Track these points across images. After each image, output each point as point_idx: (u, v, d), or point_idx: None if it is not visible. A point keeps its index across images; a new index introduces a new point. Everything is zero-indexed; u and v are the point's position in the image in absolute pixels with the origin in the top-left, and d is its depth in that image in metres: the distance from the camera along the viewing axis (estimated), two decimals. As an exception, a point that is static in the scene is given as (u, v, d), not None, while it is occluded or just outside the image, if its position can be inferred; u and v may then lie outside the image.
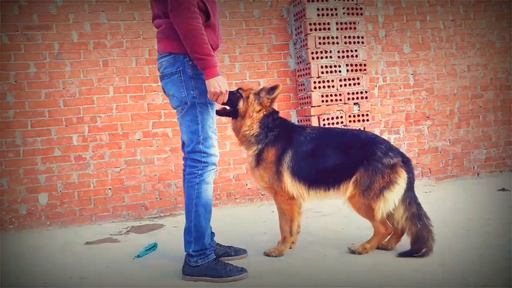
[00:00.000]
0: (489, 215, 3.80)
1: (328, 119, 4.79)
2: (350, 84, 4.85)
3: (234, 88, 3.08)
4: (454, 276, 2.58)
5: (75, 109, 4.44)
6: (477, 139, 5.61)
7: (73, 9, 4.42)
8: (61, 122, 4.41)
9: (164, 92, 2.87)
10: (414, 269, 2.72)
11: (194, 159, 2.76)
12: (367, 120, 4.90)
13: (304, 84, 4.89)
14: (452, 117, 5.53)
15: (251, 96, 3.03)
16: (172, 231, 4.02)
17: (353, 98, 4.86)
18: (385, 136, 5.26)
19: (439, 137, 5.49)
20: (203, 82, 2.66)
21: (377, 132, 5.23)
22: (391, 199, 2.93)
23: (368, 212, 2.97)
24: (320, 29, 4.76)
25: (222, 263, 2.81)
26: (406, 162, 3.01)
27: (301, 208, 3.21)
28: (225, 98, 2.67)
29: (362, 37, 4.89)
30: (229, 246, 3.18)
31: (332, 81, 4.80)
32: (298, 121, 5.00)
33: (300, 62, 4.93)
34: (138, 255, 3.31)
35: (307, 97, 4.82)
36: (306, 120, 4.85)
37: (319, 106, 4.77)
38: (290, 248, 3.16)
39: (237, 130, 3.12)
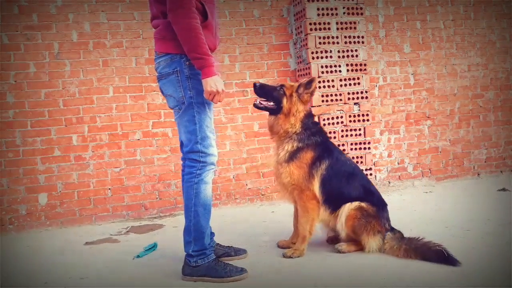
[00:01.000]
0: (489, 215, 3.80)
1: (328, 119, 4.79)
2: (350, 84, 4.85)
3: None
4: (454, 276, 2.58)
5: (74, 109, 4.44)
6: (477, 139, 5.61)
7: (73, 9, 4.42)
8: (61, 122, 4.41)
9: (162, 93, 2.88)
10: (414, 269, 2.72)
11: (193, 159, 2.76)
12: (367, 120, 4.90)
13: (304, 84, 4.89)
14: (452, 117, 5.53)
15: (294, 95, 3.14)
16: (172, 231, 4.02)
17: (353, 98, 4.86)
18: (385, 136, 5.27)
19: (439, 137, 5.48)
20: (200, 82, 2.66)
21: (377, 132, 5.23)
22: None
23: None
24: (320, 29, 4.75)
25: (222, 263, 2.80)
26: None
27: None
28: (222, 97, 2.68)
29: (362, 37, 4.88)
30: (229, 246, 3.19)
31: (332, 81, 4.80)
32: (298, 121, 4.99)
33: (300, 62, 4.93)
34: (138, 255, 3.31)
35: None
36: (306, 120, 4.84)
37: (319, 106, 4.76)
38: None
39: (276, 126, 3.19)
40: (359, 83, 4.87)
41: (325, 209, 3.14)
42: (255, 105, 3.22)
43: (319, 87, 4.75)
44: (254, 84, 3.22)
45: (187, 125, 2.75)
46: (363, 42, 4.88)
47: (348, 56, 4.82)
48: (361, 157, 4.88)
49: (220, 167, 4.77)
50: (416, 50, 5.37)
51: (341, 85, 4.82)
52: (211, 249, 2.84)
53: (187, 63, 2.68)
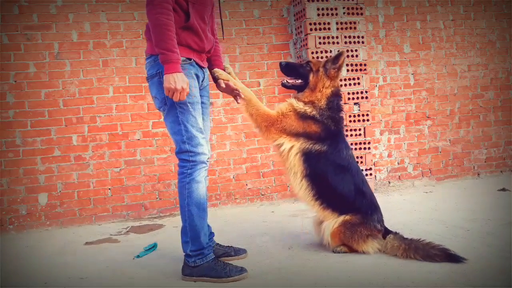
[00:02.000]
0: (489, 215, 3.80)
1: (328, 119, 4.78)
2: (350, 84, 4.85)
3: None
4: (454, 275, 2.58)
5: (74, 109, 4.44)
6: (477, 139, 5.61)
7: (73, 9, 4.42)
8: (61, 122, 4.41)
9: (151, 94, 2.87)
10: (413, 269, 2.72)
11: (183, 159, 2.76)
12: (367, 120, 4.90)
13: (304, 84, 4.89)
14: (452, 117, 5.53)
15: (321, 69, 3.11)
16: (172, 231, 4.02)
17: (353, 98, 4.86)
18: (385, 136, 5.27)
19: (439, 137, 5.48)
20: None
21: (377, 132, 5.23)
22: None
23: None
24: (320, 29, 4.75)
25: (222, 263, 2.80)
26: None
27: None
28: (182, 96, 2.61)
29: (362, 37, 4.88)
30: (228, 246, 3.18)
31: (332, 81, 4.79)
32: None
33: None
34: (138, 255, 3.31)
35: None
36: (306, 120, 4.84)
37: (319, 106, 4.76)
38: None
39: (301, 99, 3.14)
40: (359, 83, 4.87)
41: (310, 190, 3.06)
42: (282, 84, 3.23)
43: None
44: (280, 63, 3.24)
45: (173, 126, 2.75)
46: (363, 42, 4.88)
47: (348, 56, 4.82)
48: (361, 157, 4.88)
49: (220, 167, 4.78)
50: (416, 50, 5.37)
51: (341, 85, 4.81)
52: (209, 249, 2.84)
53: None
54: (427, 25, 5.40)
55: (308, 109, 3.07)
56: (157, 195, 4.65)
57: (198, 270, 2.77)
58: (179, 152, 2.76)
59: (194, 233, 2.77)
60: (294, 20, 5.00)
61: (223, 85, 2.99)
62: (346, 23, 4.82)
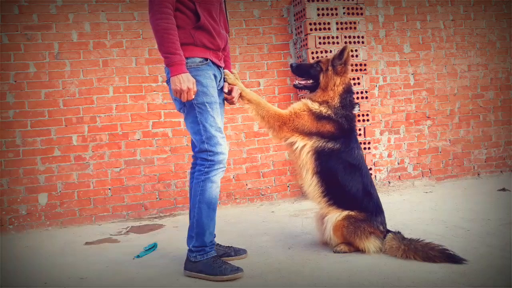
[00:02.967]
0: (489, 215, 3.80)
1: (328, 119, 4.78)
2: (350, 84, 4.84)
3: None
4: (454, 276, 2.58)
5: (74, 109, 4.44)
6: (477, 139, 5.61)
7: (73, 9, 4.42)
8: (61, 122, 4.41)
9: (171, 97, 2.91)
10: (414, 269, 2.72)
11: (201, 157, 2.81)
12: (367, 120, 4.90)
13: (304, 84, 4.89)
14: (452, 117, 5.53)
15: (330, 68, 3.11)
16: (172, 231, 4.02)
17: (353, 98, 4.85)
18: (385, 136, 5.27)
19: (439, 137, 5.48)
20: (198, 83, 2.71)
21: (377, 132, 5.23)
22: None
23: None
24: (320, 29, 4.75)
25: (220, 262, 2.81)
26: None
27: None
28: (189, 95, 2.66)
29: (362, 37, 4.88)
30: (229, 246, 3.18)
31: (332, 81, 4.79)
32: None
33: (301, 62, 4.93)
34: (138, 255, 3.31)
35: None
36: (306, 120, 4.84)
37: (319, 106, 4.76)
38: None
39: (314, 100, 3.15)
40: (359, 83, 4.87)
41: (319, 187, 3.08)
42: (294, 86, 3.28)
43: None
44: (291, 65, 3.28)
45: (193, 126, 2.80)
46: (363, 42, 4.88)
47: (348, 56, 4.82)
48: (361, 157, 4.88)
49: (220, 167, 4.77)
50: (416, 50, 5.37)
51: (341, 85, 4.81)
52: (211, 247, 2.85)
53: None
54: (427, 25, 5.40)
55: (324, 109, 3.08)
56: (157, 195, 4.65)
57: (196, 265, 2.80)
58: (198, 152, 2.81)
59: (199, 229, 2.80)
60: (294, 20, 5.00)
61: (226, 89, 3.02)
62: (346, 23, 4.82)
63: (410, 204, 4.42)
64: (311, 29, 4.73)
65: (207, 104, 2.75)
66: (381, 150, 5.26)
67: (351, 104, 3.16)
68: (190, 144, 4.71)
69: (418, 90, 5.39)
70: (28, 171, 4.33)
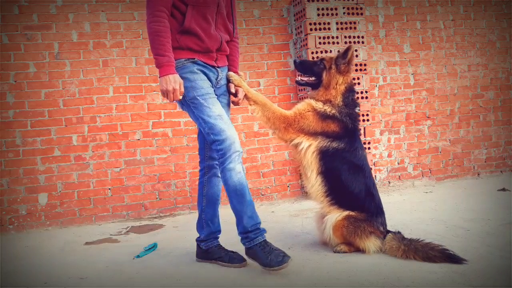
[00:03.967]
0: (489, 215, 3.80)
1: (328, 119, 4.78)
2: (350, 84, 4.84)
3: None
4: (454, 276, 2.58)
5: (74, 109, 4.44)
6: (477, 139, 5.61)
7: (73, 9, 4.42)
8: (61, 122, 4.41)
9: None
10: (413, 269, 2.72)
11: (214, 149, 2.85)
12: (367, 120, 4.90)
13: (304, 84, 4.89)
14: (452, 117, 5.53)
15: (333, 67, 3.11)
16: (172, 231, 4.02)
17: (353, 98, 4.85)
18: (385, 136, 5.27)
19: (439, 137, 5.48)
20: (185, 80, 2.78)
21: (377, 132, 5.23)
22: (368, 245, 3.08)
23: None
24: (320, 29, 4.75)
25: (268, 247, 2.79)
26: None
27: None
28: (176, 96, 2.72)
29: (362, 37, 4.88)
30: (233, 251, 3.10)
31: (332, 81, 4.79)
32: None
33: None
34: (138, 255, 3.31)
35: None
36: (306, 120, 4.84)
37: (319, 106, 4.76)
38: None
39: (316, 98, 3.17)
40: (359, 83, 4.87)
41: (322, 187, 3.07)
42: (297, 82, 3.29)
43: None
44: (294, 61, 3.28)
45: (195, 122, 2.89)
46: (363, 42, 4.88)
47: (348, 56, 4.82)
48: (361, 157, 4.88)
49: (220, 167, 4.77)
50: (416, 50, 5.37)
51: (341, 85, 4.81)
52: (256, 232, 2.81)
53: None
54: (427, 25, 5.40)
55: (328, 108, 3.09)
56: (157, 195, 4.65)
57: (250, 252, 2.84)
58: (210, 143, 2.85)
59: (237, 217, 2.84)
60: (294, 20, 5.00)
61: (233, 90, 3.06)
62: (346, 23, 4.82)
63: (410, 204, 4.42)
64: (311, 29, 4.73)
65: (198, 98, 2.78)
66: (381, 150, 5.26)
67: (354, 103, 3.17)
68: (190, 144, 4.73)
69: (418, 90, 5.40)
70: (28, 171, 4.33)
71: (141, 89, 4.61)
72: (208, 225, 3.07)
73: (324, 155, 3.06)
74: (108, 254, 3.44)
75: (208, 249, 3.06)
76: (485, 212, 3.89)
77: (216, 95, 2.95)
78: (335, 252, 3.08)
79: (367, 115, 4.90)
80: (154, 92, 4.63)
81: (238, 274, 2.85)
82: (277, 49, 5.00)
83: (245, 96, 3.09)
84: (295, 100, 5.03)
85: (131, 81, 4.58)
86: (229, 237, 3.29)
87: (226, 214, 4.46)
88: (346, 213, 3.05)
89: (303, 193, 5.00)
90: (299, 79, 3.26)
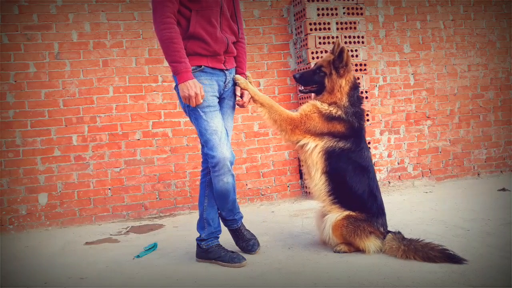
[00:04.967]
0: (489, 215, 3.80)
1: (328, 119, 4.78)
2: (350, 84, 4.84)
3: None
4: (454, 276, 2.58)
5: (74, 109, 4.44)
6: (477, 139, 5.61)
7: (73, 9, 4.42)
8: (61, 122, 4.41)
9: None
10: (414, 269, 2.72)
11: (206, 159, 3.00)
12: (367, 120, 4.90)
13: (304, 84, 4.89)
14: (452, 117, 5.53)
15: (333, 72, 3.12)
16: (172, 231, 4.02)
17: (353, 98, 4.85)
18: (385, 136, 5.27)
19: (439, 137, 5.48)
20: None
21: (377, 132, 5.23)
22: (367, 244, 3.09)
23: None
24: (320, 29, 4.75)
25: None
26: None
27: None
28: (198, 100, 2.77)
29: (362, 37, 4.88)
30: (232, 251, 3.12)
31: (332, 81, 4.79)
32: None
33: (300, 62, 4.93)
34: (138, 255, 3.31)
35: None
36: (306, 120, 4.84)
37: (319, 106, 4.76)
38: None
39: (322, 101, 3.18)
40: (359, 83, 4.86)
41: (326, 186, 3.09)
42: (300, 91, 3.34)
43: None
44: (294, 76, 3.30)
45: (197, 131, 2.96)
46: (363, 42, 4.88)
47: (348, 56, 4.82)
48: (361, 157, 4.88)
49: (220, 167, 4.77)
50: (416, 50, 5.37)
51: (341, 85, 4.82)
52: (231, 221, 3.20)
53: None
54: (427, 25, 5.40)
55: (333, 110, 3.10)
56: (157, 195, 4.65)
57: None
58: (205, 155, 2.99)
59: (205, 222, 3.09)
60: (294, 20, 5.00)
61: (238, 93, 3.10)
62: (346, 23, 4.82)
63: (410, 204, 4.42)
64: (311, 29, 4.73)
65: (199, 109, 2.85)
66: (381, 150, 5.26)
67: (359, 99, 3.19)
68: (190, 144, 4.73)
69: (418, 90, 5.40)
70: (28, 171, 4.33)
71: (141, 89, 4.61)
72: (209, 225, 3.08)
73: (330, 155, 3.07)
74: (108, 254, 3.44)
75: (209, 248, 3.06)
76: (485, 212, 3.89)
77: (223, 97, 3.02)
78: (335, 252, 3.09)
79: (367, 115, 4.89)
80: (154, 92, 4.63)
81: (238, 274, 2.85)
82: (277, 49, 5.00)
83: (252, 98, 3.12)
84: (295, 100, 5.03)
85: (131, 81, 4.58)
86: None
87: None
88: (346, 213, 3.05)
89: (303, 193, 5.00)
90: (302, 88, 3.28)
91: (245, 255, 3.07)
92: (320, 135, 3.09)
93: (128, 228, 4.23)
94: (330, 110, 3.09)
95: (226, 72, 2.99)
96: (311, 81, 3.22)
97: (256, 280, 2.72)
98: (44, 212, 4.36)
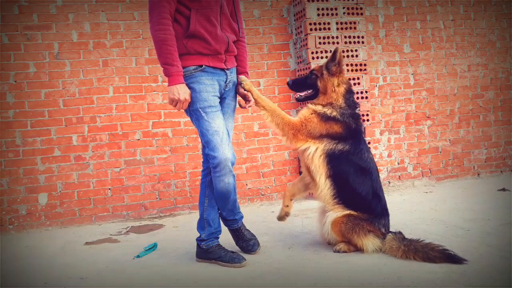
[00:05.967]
0: (489, 215, 3.80)
1: (328, 119, 4.78)
2: (350, 84, 4.84)
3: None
4: (454, 276, 2.58)
5: (74, 109, 4.44)
6: (477, 139, 5.61)
7: (73, 9, 4.42)
8: (61, 122, 4.41)
9: None
10: (414, 269, 2.72)
11: (207, 160, 2.99)
12: (367, 120, 4.90)
13: (304, 84, 4.89)
14: (452, 117, 5.53)
15: (324, 72, 3.15)
16: (172, 231, 4.02)
17: (353, 98, 4.85)
18: (385, 136, 5.27)
19: (439, 137, 5.48)
20: (192, 91, 2.84)
21: (377, 132, 5.23)
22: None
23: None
24: (320, 29, 4.75)
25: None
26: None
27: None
28: (184, 105, 2.80)
29: (362, 37, 4.88)
30: (232, 251, 3.12)
31: (332, 81, 4.79)
32: (298, 121, 4.99)
33: (300, 62, 4.93)
34: (138, 255, 3.31)
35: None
36: (306, 120, 4.84)
37: (319, 106, 4.76)
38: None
39: (317, 104, 3.20)
40: (359, 83, 4.87)
41: (331, 190, 3.09)
42: (297, 99, 3.33)
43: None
44: (288, 83, 3.34)
45: (198, 131, 2.95)
46: (363, 42, 4.88)
47: (348, 56, 4.82)
48: (361, 157, 4.88)
49: (220, 167, 4.77)
50: (416, 50, 5.37)
51: (341, 85, 4.82)
52: (231, 221, 3.22)
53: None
54: (427, 25, 5.40)
55: (328, 111, 3.12)
56: (157, 195, 4.65)
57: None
58: (206, 154, 2.98)
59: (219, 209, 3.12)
60: (294, 20, 5.00)
61: (240, 94, 3.13)
62: (346, 23, 4.82)
63: (410, 204, 4.42)
64: (311, 29, 4.73)
65: (200, 110, 2.85)
66: (381, 150, 5.26)
67: (354, 103, 3.21)
68: (190, 144, 4.73)
69: (418, 90, 5.40)
70: (28, 171, 4.33)
71: (141, 89, 4.61)
72: (209, 225, 3.08)
73: (331, 158, 3.08)
74: (108, 254, 3.44)
75: (209, 248, 3.06)
76: (485, 212, 3.89)
77: (224, 97, 3.02)
78: (334, 252, 3.09)
79: (367, 115, 4.90)
80: (154, 92, 4.63)
81: (238, 274, 2.85)
82: (277, 49, 5.00)
83: (255, 101, 3.13)
84: (294, 100, 5.02)
85: (131, 81, 4.58)
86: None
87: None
88: (348, 211, 3.06)
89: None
90: (298, 95, 3.29)
91: (245, 255, 3.07)
92: (319, 137, 3.10)
93: (128, 228, 4.23)
94: (325, 111, 3.11)
95: (227, 71, 2.98)
96: (304, 86, 3.25)
97: (256, 280, 2.72)
98: (44, 212, 4.36)
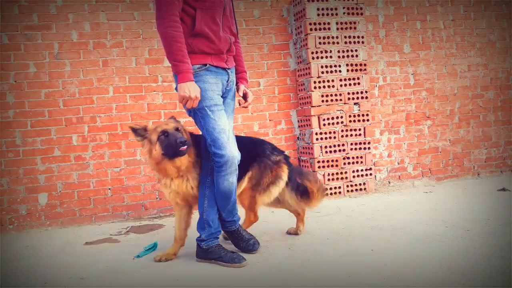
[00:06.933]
0: (489, 215, 3.80)
1: (328, 119, 4.79)
2: (350, 84, 4.85)
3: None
4: (454, 276, 2.58)
5: (74, 109, 4.44)
6: (477, 139, 5.61)
7: (73, 9, 4.42)
8: (61, 122, 4.41)
9: None
10: (414, 269, 2.72)
11: (213, 159, 2.95)
12: (367, 120, 4.90)
13: (304, 84, 4.89)
14: (452, 117, 5.53)
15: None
16: (172, 231, 4.00)
17: (353, 98, 4.86)
18: (385, 136, 5.27)
19: (439, 137, 5.48)
20: None
21: (377, 132, 5.24)
22: (275, 193, 3.29)
23: (252, 203, 3.30)
24: (320, 29, 4.75)
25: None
26: (286, 159, 3.39)
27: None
28: (195, 103, 2.78)
29: (362, 37, 4.88)
30: (232, 251, 3.12)
31: (332, 81, 4.80)
32: (298, 121, 4.99)
33: (300, 62, 4.93)
34: (138, 255, 3.31)
35: (307, 97, 4.82)
36: (306, 120, 4.84)
37: (319, 106, 4.77)
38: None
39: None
40: (359, 83, 4.87)
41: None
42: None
43: (319, 87, 4.75)
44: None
45: (201, 131, 2.94)
46: (363, 42, 4.88)
47: (348, 56, 4.82)
48: (361, 157, 4.88)
49: (220, 167, 4.77)
50: (416, 50, 5.37)
51: (341, 85, 4.82)
52: (229, 223, 3.20)
53: None
54: (427, 25, 5.40)
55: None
56: (157, 195, 4.65)
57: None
58: (211, 154, 2.94)
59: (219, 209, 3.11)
60: (294, 20, 5.00)
61: (241, 93, 3.15)
62: (346, 23, 4.82)
63: (410, 204, 4.42)
64: (311, 29, 4.73)
65: (206, 108, 2.85)
66: (381, 150, 5.26)
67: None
68: (190, 144, 4.73)
69: (418, 90, 5.40)
70: (28, 171, 4.33)
71: (141, 89, 4.61)
72: (209, 226, 3.08)
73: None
74: (108, 254, 3.44)
75: (209, 248, 3.06)
76: (485, 212, 3.89)
77: (224, 97, 3.03)
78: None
79: (367, 115, 4.90)
80: (154, 92, 4.63)
81: (238, 274, 2.84)
82: (277, 49, 5.00)
83: None
84: (295, 100, 5.03)
85: (131, 81, 4.58)
86: (229, 241, 3.29)
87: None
88: None
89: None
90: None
91: (245, 255, 3.07)
92: None
93: (128, 228, 4.22)
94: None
95: (228, 71, 3.00)
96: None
97: (256, 280, 2.72)
98: (44, 212, 4.36)
